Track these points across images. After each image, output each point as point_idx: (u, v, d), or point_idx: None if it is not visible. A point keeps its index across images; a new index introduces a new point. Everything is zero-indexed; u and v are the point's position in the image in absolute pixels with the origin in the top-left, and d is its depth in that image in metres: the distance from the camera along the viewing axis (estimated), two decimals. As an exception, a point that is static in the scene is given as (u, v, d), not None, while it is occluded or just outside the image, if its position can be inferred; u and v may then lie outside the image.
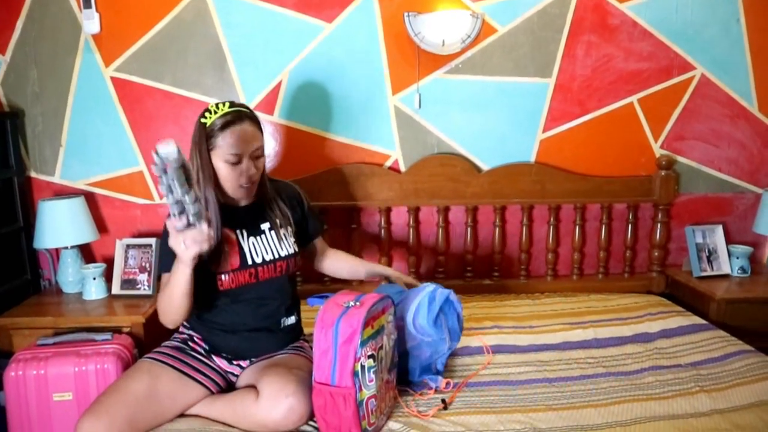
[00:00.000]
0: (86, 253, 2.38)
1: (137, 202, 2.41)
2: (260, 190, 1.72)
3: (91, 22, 2.25)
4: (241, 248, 1.65)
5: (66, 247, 2.25)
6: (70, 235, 2.21)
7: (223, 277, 1.62)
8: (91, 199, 2.37)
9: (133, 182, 2.40)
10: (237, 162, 1.59)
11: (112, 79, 2.33)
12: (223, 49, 2.32)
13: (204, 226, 1.36)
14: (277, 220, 1.72)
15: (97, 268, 2.22)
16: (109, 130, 2.36)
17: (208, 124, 1.58)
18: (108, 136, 2.36)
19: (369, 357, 1.43)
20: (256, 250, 1.67)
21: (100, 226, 2.39)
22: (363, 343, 1.41)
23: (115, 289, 2.23)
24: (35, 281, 2.39)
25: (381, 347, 1.49)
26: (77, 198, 2.26)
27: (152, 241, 2.26)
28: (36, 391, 1.79)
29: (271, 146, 2.40)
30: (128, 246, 2.27)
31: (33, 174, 2.38)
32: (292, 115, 2.39)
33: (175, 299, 1.50)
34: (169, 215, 1.35)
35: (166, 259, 1.56)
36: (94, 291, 2.20)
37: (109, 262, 2.29)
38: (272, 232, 1.71)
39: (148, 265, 2.24)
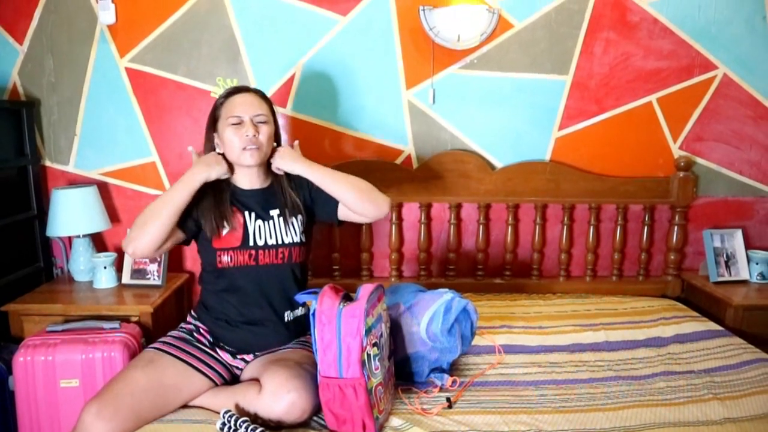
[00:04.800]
0: (98, 242, 2.40)
1: (149, 193, 2.42)
2: (271, 172, 1.76)
3: (106, 13, 2.26)
4: (245, 228, 1.68)
5: (78, 236, 2.27)
6: (83, 224, 2.23)
7: (223, 257, 1.65)
8: (104, 188, 2.39)
9: (146, 173, 2.41)
10: (238, 123, 1.66)
11: (127, 69, 2.33)
12: (237, 40, 2.32)
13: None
14: (287, 209, 1.73)
15: (108, 257, 2.23)
16: (123, 121, 2.37)
17: (217, 100, 1.72)
18: (122, 127, 2.38)
19: (373, 345, 1.44)
20: (260, 233, 1.69)
21: (113, 215, 2.40)
22: (367, 332, 1.41)
23: (125, 279, 2.24)
24: (48, 269, 2.41)
25: (381, 335, 1.50)
26: (90, 187, 2.27)
27: (163, 231, 2.27)
28: (44, 377, 1.80)
29: (283, 139, 2.38)
30: (139, 236, 2.28)
31: (48, 163, 2.40)
32: (305, 108, 2.38)
33: (163, 212, 1.59)
34: None
35: None
36: (105, 280, 2.21)
37: (120, 252, 2.29)
38: (281, 218, 1.72)
39: (158, 255, 2.24)
